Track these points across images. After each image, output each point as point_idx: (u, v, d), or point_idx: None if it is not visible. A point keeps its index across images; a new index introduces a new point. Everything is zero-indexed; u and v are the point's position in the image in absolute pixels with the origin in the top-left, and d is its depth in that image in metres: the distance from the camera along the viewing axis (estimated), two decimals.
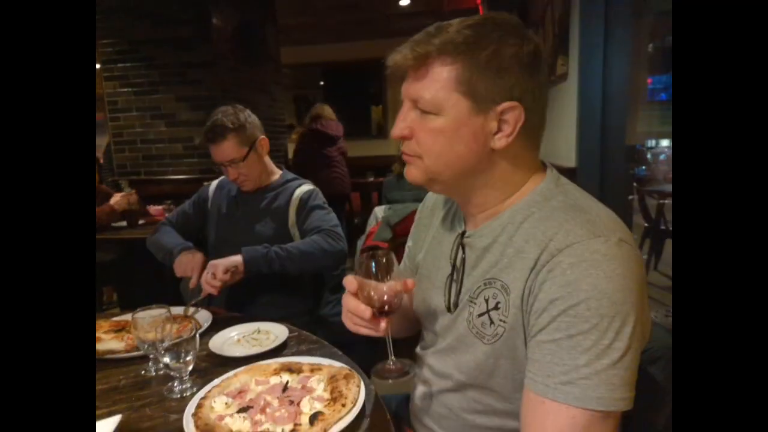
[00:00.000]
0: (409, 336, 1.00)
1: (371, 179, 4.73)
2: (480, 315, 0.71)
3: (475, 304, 0.73)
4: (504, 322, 0.68)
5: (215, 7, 3.23)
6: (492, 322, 0.70)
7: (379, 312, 0.75)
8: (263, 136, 1.53)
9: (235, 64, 3.47)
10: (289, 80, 6.77)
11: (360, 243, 2.73)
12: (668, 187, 3.18)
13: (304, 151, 3.87)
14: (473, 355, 0.73)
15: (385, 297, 0.74)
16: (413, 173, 0.74)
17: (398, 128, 0.71)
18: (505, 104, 0.66)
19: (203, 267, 1.37)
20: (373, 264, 0.76)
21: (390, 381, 0.79)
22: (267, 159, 1.58)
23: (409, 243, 0.98)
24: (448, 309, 0.78)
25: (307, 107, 7.05)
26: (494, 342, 0.69)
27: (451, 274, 0.78)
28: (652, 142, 5.27)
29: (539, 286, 0.63)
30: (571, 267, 0.61)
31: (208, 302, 1.39)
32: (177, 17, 3.18)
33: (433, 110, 0.67)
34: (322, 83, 6.92)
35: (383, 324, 0.75)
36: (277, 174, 1.62)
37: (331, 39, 6.27)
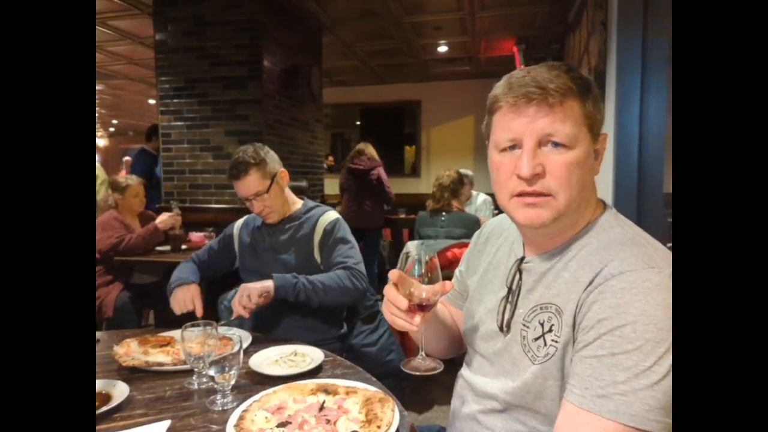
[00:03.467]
0: (450, 357, 1.02)
1: (402, 216, 4.80)
2: (536, 339, 0.74)
3: (529, 327, 0.76)
4: (556, 342, 0.71)
5: (266, 50, 3.47)
6: (545, 344, 0.73)
7: (417, 307, 0.79)
8: (283, 169, 1.61)
9: (279, 103, 3.68)
10: (328, 119, 7.07)
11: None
12: None
13: (343, 185, 4.04)
14: (522, 376, 0.75)
15: (424, 293, 0.79)
16: (542, 215, 0.72)
17: (530, 166, 0.70)
18: (602, 134, 0.75)
19: (200, 296, 1.46)
20: (417, 263, 0.81)
21: (419, 373, 0.83)
22: (288, 190, 1.66)
23: (461, 268, 1.01)
24: (501, 329, 0.81)
25: (344, 145, 7.31)
26: (545, 362, 0.72)
27: (506, 297, 0.82)
28: None
29: (590, 305, 0.67)
30: (622, 291, 0.64)
31: (238, 324, 1.46)
32: (231, 58, 3.43)
33: (570, 144, 0.70)
34: (359, 123, 7.18)
35: (418, 318, 0.79)
36: (299, 203, 1.68)
37: (371, 81, 6.55)
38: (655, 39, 2.14)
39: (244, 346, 1.23)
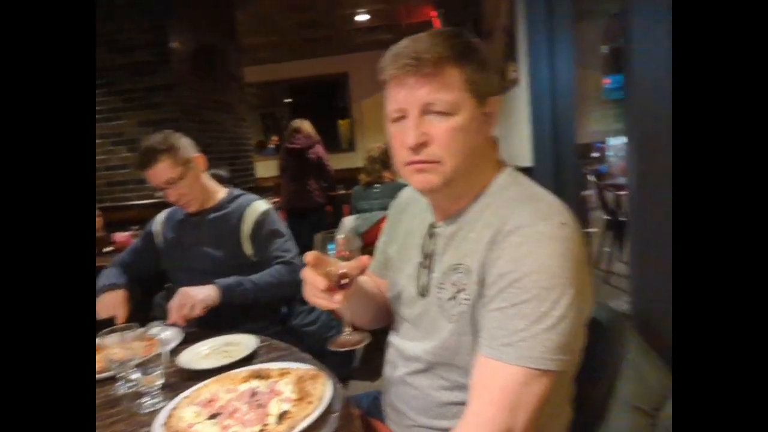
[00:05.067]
0: (380, 327, 1.05)
1: (341, 192, 4.78)
2: (450, 299, 0.78)
3: (443, 289, 0.79)
4: (467, 300, 0.75)
5: (173, 30, 3.25)
6: (458, 303, 0.76)
7: (336, 285, 0.80)
8: (197, 154, 1.55)
9: (196, 86, 3.48)
10: (255, 99, 6.79)
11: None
12: (622, 181, 3.33)
13: (282, 166, 3.93)
14: (440, 335, 0.79)
15: (341, 271, 0.80)
16: (431, 180, 0.75)
17: (414, 136, 0.72)
18: (494, 98, 0.77)
19: (126, 301, 1.41)
20: (330, 242, 0.81)
21: (345, 349, 0.84)
22: (206, 177, 1.59)
23: (382, 238, 1.04)
24: (420, 295, 0.84)
25: (275, 124, 7.08)
26: (459, 320, 0.76)
27: (422, 262, 0.85)
28: (611, 140, 5.49)
29: (493, 262, 0.71)
30: (518, 245, 0.69)
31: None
32: (133, 42, 3.18)
33: (451, 110, 0.72)
34: (289, 100, 6.97)
35: (338, 296, 0.80)
36: (222, 192, 1.62)
37: (296, 56, 6.34)
38: None
39: (175, 344, 1.20)
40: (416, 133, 0.72)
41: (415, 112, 0.72)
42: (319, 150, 3.88)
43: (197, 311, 1.30)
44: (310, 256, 0.80)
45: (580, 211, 2.83)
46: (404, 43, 0.74)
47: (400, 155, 0.77)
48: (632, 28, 1.14)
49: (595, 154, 6.12)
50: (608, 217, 3.33)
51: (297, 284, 1.47)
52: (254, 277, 1.45)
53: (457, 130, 0.73)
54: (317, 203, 4.00)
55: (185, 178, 1.48)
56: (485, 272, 0.73)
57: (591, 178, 3.93)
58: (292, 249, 1.55)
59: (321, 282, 0.79)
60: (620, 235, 3.20)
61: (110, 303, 1.40)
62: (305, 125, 3.87)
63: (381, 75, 0.76)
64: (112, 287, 1.45)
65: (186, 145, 1.52)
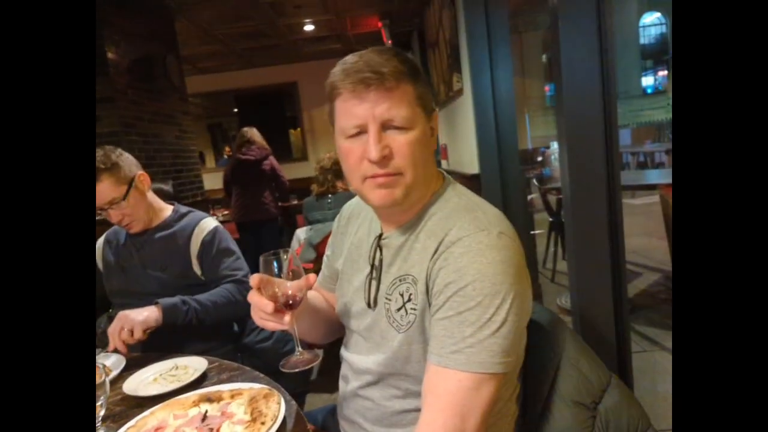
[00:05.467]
0: (333, 340, 1.05)
1: (295, 202, 4.72)
2: (398, 309, 0.79)
3: (391, 300, 0.81)
4: (415, 309, 0.77)
5: (109, 41, 3.11)
6: (407, 312, 0.78)
7: (284, 306, 0.79)
8: (141, 172, 1.48)
9: (136, 98, 3.34)
10: (201, 110, 6.59)
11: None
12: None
13: (234, 178, 3.80)
14: (390, 346, 0.80)
15: (289, 291, 0.79)
16: (395, 194, 0.76)
17: (377, 150, 0.72)
18: (435, 112, 0.81)
19: None
20: (275, 262, 0.81)
21: (297, 370, 0.84)
22: (151, 195, 1.53)
23: (328, 252, 1.04)
24: (369, 305, 0.85)
25: (222, 134, 6.90)
26: (408, 329, 0.78)
27: (370, 273, 0.86)
28: (554, 144, 5.78)
29: (437, 272, 0.74)
30: (461, 255, 0.72)
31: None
32: None
33: (408, 125, 0.74)
34: (236, 110, 6.82)
35: (287, 317, 0.80)
36: (168, 210, 1.56)
37: (241, 65, 6.22)
38: (496, 11, 2.33)
39: (117, 371, 1.14)
40: (380, 147, 0.73)
41: (376, 127, 0.73)
42: (273, 161, 3.82)
43: (137, 334, 1.23)
44: (255, 279, 0.79)
45: (526, 214, 2.96)
46: (353, 59, 0.75)
47: (360, 170, 0.76)
48: (560, 38, 1.22)
49: (538, 159, 6.42)
50: (551, 219, 3.50)
51: (248, 305, 1.44)
52: (201, 296, 1.40)
53: (415, 143, 0.75)
54: (272, 215, 3.94)
55: (129, 197, 1.41)
56: (431, 282, 0.75)
57: (534, 182, 4.12)
58: (242, 267, 1.51)
59: (268, 305, 0.78)
60: (563, 235, 3.37)
61: None
62: (256, 135, 3.79)
63: (332, 89, 0.76)
64: None
65: (129, 162, 1.45)
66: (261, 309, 0.79)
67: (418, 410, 0.81)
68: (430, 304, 0.75)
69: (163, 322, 1.30)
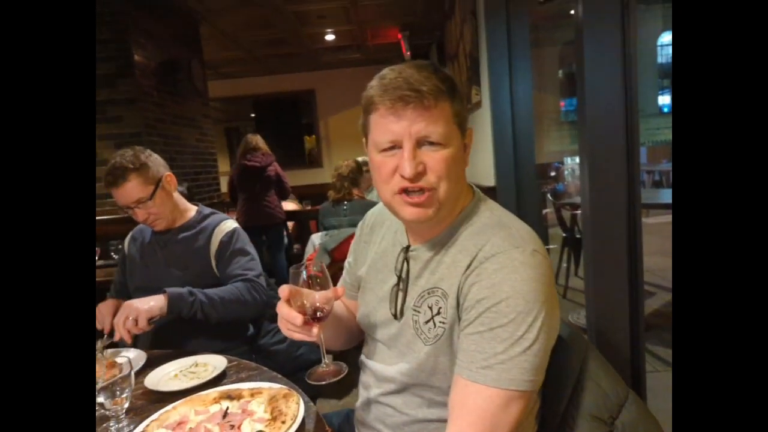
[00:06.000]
0: (351, 348, 1.06)
1: (308, 207, 4.76)
2: (426, 322, 0.80)
3: (419, 312, 0.81)
4: (444, 323, 0.78)
5: (137, 44, 3.19)
6: (435, 325, 0.79)
7: (311, 318, 0.80)
8: (169, 173, 1.51)
9: (159, 100, 3.42)
10: (219, 114, 6.70)
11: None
12: (578, 200, 3.49)
13: (240, 184, 3.85)
14: (416, 357, 0.80)
15: (317, 304, 0.80)
16: (427, 212, 0.76)
17: (411, 167, 0.72)
18: (469, 129, 0.81)
19: (114, 311, 1.30)
20: (304, 273, 0.82)
21: (324, 383, 0.84)
22: (177, 195, 1.56)
23: (350, 259, 1.04)
24: (395, 317, 0.86)
25: (239, 139, 6.99)
26: (435, 342, 0.78)
27: (397, 285, 0.87)
28: (568, 160, 5.76)
29: (470, 287, 0.74)
30: (495, 272, 0.72)
31: (133, 343, 1.31)
32: (96, 55, 3.10)
33: (444, 142, 0.74)
34: (253, 115, 6.92)
35: (315, 329, 0.81)
36: (192, 210, 1.60)
37: (261, 72, 6.32)
38: (517, 25, 2.36)
39: (138, 366, 1.16)
40: (414, 164, 0.73)
41: (411, 144, 0.73)
42: (277, 167, 3.86)
43: (142, 324, 1.23)
44: (284, 290, 0.80)
45: (541, 229, 2.95)
46: (393, 74, 0.74)
47: (391, 183, 0.76)
48: (584, 53, 1.23)
49: (552, 174, 6.40)
50: (565, 235, 3.48)
51: (260, 304, 1.47)
52: (210, 290, 1.41)
53: (449, 159, 0.75)
54: (278, 219, 3.97)
55: (155, 197, 1.45)
56: (462, 297, 0.75)
57: (549, 197, 4.11)
58: (255, 268, 1.53)
59: (297, 318, 0.78)
60: (576, 251, 3.35)
61: (99, 313, 1.33)
62: (261, 142, 3.83)
63: (369, 104, 0.76)
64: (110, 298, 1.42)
65: (157, 163, 1.49)
66: (290, 321, 0.79)
67: (440, 420, 0.82)
68: (460, 319, 0.75)
69: (168, 311, 1.30)
